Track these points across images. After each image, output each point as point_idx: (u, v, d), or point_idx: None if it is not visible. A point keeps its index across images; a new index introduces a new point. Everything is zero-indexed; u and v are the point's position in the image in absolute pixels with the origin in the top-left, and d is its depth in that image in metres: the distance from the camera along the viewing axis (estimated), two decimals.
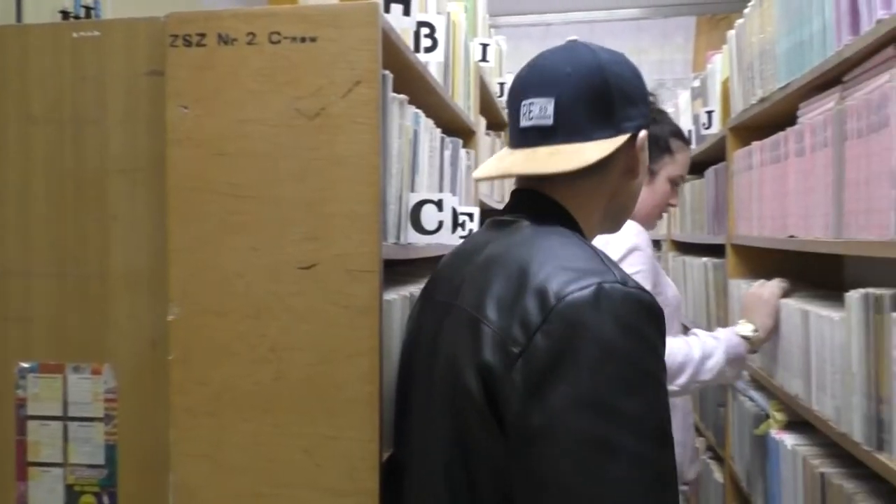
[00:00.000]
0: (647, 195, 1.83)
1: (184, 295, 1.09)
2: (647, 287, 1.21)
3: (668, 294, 1.82)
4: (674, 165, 1.87)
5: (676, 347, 1.57)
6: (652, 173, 1.85)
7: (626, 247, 1.65)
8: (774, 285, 1.75)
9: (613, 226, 1.07)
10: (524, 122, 0.99)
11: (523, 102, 1.00)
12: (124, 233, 1.16)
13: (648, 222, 1.89)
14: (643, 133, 1.01)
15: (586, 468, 0.79)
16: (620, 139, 0.98)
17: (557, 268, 0.86)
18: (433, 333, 0.99)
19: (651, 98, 1.09)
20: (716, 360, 1.60)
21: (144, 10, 1.21)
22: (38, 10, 2.32)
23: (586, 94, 0.97)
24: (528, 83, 1.00)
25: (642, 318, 0.83)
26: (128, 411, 1.16)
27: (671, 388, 1.55)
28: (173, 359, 1.10)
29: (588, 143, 0.96)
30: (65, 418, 1.18)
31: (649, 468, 0.80)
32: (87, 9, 2.42)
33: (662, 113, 1.91)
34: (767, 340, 1.72)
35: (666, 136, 1.86)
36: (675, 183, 1.90)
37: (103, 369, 1.17)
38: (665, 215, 3.47)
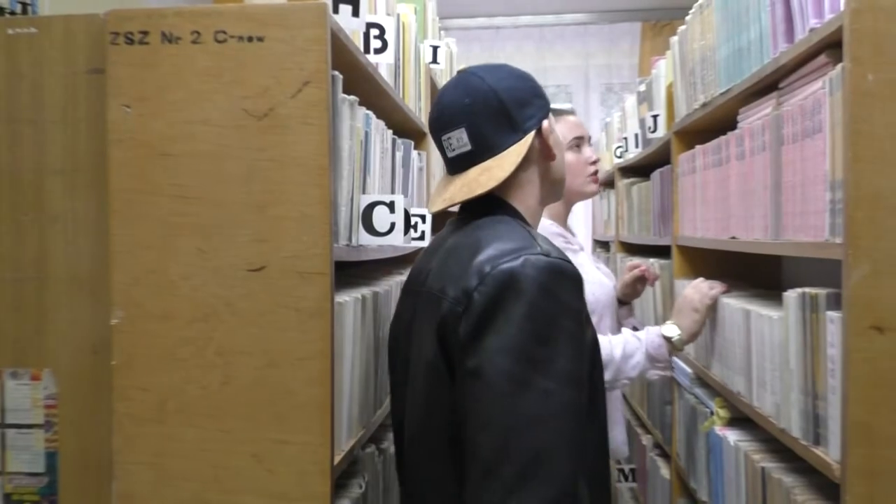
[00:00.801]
0: None
1: (127, 298, 1.07)
2: None
3: (597, 293, 1.90)
4: (561, 137, 1.91)
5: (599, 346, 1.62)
6: None
7: None
8: (708, 294, 1.79)
9: (555, 197, 1.27)
10: (450, 154, 1.18)
11: (443, 138, 1.18)
12: (64, 235, 1.13)
13: (582, 191, 1.98)
14: (545, 123, 1.19)
15: (502, 400, 0.97)
16: (528, 138, 1.17)
17: (496, 248, 1.06)
18: (409, 320, 1.18)
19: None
20: (637, 360, 1.67)
21: (83, 6, 1.18)
22: None
23: (488, 116, 1.15)
24: (441, 121, 1.18)
25: (560, 283, 1.03)
26: (69, 418, 1.13)
27: None
28: (116, 364, 1.07)
29: (505, 152, 1.15)
30: (2, 425, 1.14)
31: (556, 402, 0.98)
32: (24, 4, 2.34)
33: None
34: (691, 342, 1.80)
35: None
36: (577, 146, 1.96)
37: (43, 375, 1.13)
38: (613, 216, 3.58)
